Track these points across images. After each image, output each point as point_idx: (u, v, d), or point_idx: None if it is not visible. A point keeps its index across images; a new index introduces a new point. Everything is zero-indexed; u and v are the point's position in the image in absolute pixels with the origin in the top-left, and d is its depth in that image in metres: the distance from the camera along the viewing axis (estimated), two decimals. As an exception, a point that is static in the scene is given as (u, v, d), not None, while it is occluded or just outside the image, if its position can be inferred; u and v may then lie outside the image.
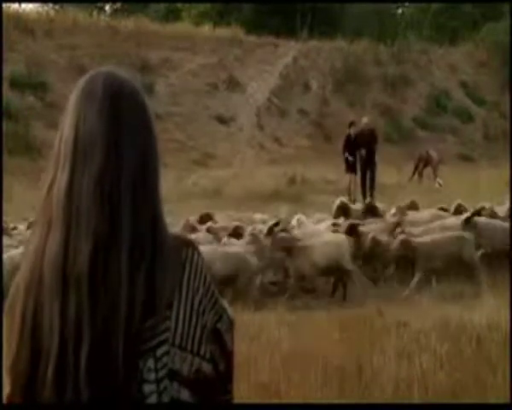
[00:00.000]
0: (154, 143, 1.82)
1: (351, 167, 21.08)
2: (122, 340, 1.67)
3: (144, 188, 1.76)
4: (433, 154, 25.61)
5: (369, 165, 20.80)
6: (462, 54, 42.27)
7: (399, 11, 52.37)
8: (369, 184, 20.81)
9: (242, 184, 22.61)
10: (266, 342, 7.87)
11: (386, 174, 23.45)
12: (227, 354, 1.85)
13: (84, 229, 1.70)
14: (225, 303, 1.88)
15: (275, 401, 6.08)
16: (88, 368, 1.67)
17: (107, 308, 1.68)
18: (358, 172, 21.11)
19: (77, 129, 1.75)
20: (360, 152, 20.72)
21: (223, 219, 13.96)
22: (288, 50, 38.31)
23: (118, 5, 49.27)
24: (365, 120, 21.93)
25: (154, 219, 1.76)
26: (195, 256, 1.81)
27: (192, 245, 1.83)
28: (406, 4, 52.07)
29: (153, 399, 1.70)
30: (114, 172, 1.72)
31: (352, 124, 21.89)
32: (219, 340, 1.83)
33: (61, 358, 1.68)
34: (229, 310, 1.88)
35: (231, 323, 1.88)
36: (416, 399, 6.07)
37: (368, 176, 20.86)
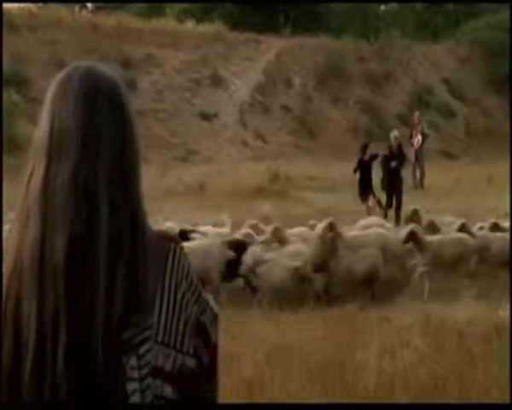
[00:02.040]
0: (132, 138, 1.80)
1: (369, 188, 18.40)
2: (101, 335, 1.67)
3: (122, 183, 1.75)
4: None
5: (398, 184, 17.78)
6: (444, 51, 42.40)
7: (382, 8, 52.46)
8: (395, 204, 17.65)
9: (226, 180, 22.61)
10: (250, 338, 7.89)
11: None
12: (211, 348, 1.84)
13: (59, 224, 1.69)
14: (209, 297, 1.88)
15: (258, 397, 6.09)
16: (66, 363, 1.66)
17: (85, 303, 1.67)
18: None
19: (52, 124, 1.75)
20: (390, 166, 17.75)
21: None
22: (271, 47, 38.29)
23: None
24: (395, 133, 18.80)
25: (133, 214, 1.75)
26: (177, 251, 1.80)
27: (174, 240, 1.82)
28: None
29: (136, 397, 1.70)
30: (90, 167, 1.71)
31: (365, 148, 19.08)
32: (203, 333, 1.82)
33: (38, 353, 1.67)
34: (213, 303, 1.88)
35: (215, 316, 1.87)
36: (398, 394, 6.10)
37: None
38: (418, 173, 23.82)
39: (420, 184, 23.47)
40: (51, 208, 1.71)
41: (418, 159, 23.87)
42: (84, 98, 1.75)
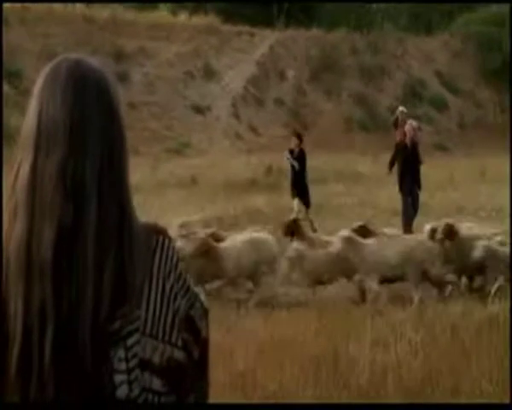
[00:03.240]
0: (120, 131, 1.78)
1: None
2: (89, 328, 1.66)
3: (111, 175, 1.73)
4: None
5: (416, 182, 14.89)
6: (437, 44, 42.43)
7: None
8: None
9: (219, 173, 22.59)
10: (242, 331, 7.89)
11: (361, 163, 23.55)
12: (201, 342, 1.83)
13: (47, 216, 1.67)
14: (199, 290, 1.87)
15: (251, 390, 6.09)
16: (53, 359, 1.65)
17: (72, 297, 1.66)
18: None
19: (40, 115, 1.74)
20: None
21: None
22: (265, 39, 38.25)
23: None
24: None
25: (121, 207, 1.74)
26: (166, 243, 1.79)
27: (163, 232, 1.81)
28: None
29: (123, 389, 1.69)
30: (78, 160, 1.70)
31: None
32: (192, 327, 1.81)
33: (24, 348, 1.66)
34: (203, 297, 1.87)
35: (205, 310, 1.86)
36: (391, 387, 6.11)
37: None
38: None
39: None
40: (39, 201, 1.69)
41: None
42: (72, 90, 1.74)
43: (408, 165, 14.65)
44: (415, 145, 14.79)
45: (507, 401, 5.41)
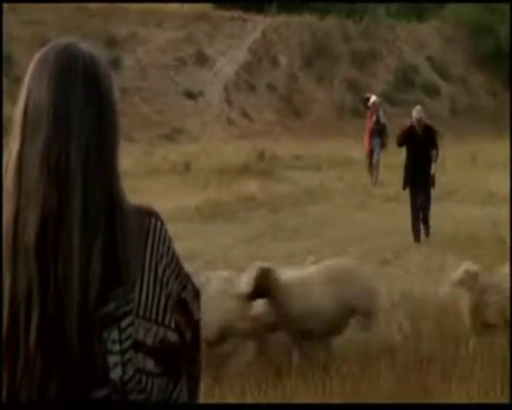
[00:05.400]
0: (109, 115, 1.78)
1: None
2: (76, 311, 1.67)
3: (98, 160, 1.73)
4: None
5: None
6: (429, 30, 42.37)
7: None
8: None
9: (211, 159, 22.56)
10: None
11: (354, 149, 23.55)
12: (193, 324, 1.85)
13: (32, 202, 1.69)
14: (191, 272, 1.89)
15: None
16: (39, 343, 1.66)
17: (58, 281, 1.67)
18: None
19: (27, 101, 1.74)
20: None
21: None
22: (257, 25, 38.13)
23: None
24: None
25: (109, 190, 1.74)
26: (158, 226, 1.81)
27: (155, 215, 1.82)
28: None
29: (117, 371, 1.70)
30: (62, 145, 1.70)
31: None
32: (185, 309, 1.83)
33: (11, 331, 1.67)
34: (195, 279, 1.89)
35: (196, 292, 1.88)
36: (384, 373, 6.15)
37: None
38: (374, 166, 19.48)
39: (376, 179, 19.30)
40: (24, 186, 1.71)
41: (373, 149, 19.49)
42: (59, 75, 1.74)
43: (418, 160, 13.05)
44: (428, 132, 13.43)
45: (507, 400, 5.40)
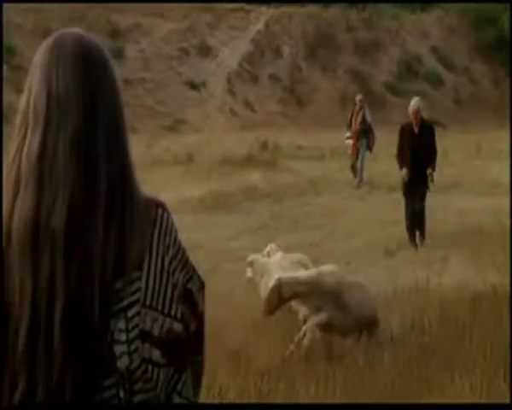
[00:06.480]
0: (122, 102, 1.82)
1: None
2: (97, 299, 1.67)
3: (117, 144, 1.77)
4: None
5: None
6: (432, 19, 42.25)
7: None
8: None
9: (214, 150, 22.55)
10: (236, 307, 7.92)
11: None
12: (198, 315, 1.85)
13: (60, 188, 1.69)
14: (196, 264, 1.89)
15: (244, 366, 6.12)
16: (62, 329, 1.66)
17: (81, 267, 1.68)
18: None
19: (49, 89, 1.74)
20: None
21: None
22: (260, 16, 38.06)
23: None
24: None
25: (125, 175, 1.77)
26: (165, 216, 1.81)
27: (162, 206, 1.83)
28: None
29: (124, 360, 1.70)
30: (90, 132, 1.73)
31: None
32: (190, 300, 1.83)
33: (33, 322, 1.66)
34: (200, 271, 1.89)
35: (202, 284, 1.88)
36: (387, 363, 6.15)
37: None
38: (359, 166, 18.70)
39: (359, 179, 18.62)
40: (49, 174, 1.70)
41: (358, 150, 18.76)
42: (83, 64, 1.76)
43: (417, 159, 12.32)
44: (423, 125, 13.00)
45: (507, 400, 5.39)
